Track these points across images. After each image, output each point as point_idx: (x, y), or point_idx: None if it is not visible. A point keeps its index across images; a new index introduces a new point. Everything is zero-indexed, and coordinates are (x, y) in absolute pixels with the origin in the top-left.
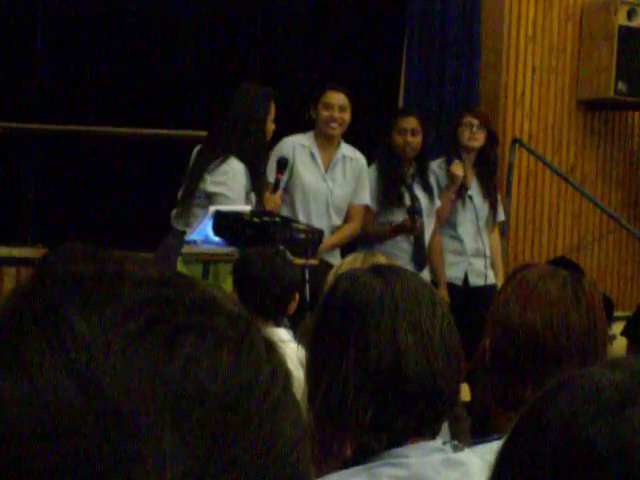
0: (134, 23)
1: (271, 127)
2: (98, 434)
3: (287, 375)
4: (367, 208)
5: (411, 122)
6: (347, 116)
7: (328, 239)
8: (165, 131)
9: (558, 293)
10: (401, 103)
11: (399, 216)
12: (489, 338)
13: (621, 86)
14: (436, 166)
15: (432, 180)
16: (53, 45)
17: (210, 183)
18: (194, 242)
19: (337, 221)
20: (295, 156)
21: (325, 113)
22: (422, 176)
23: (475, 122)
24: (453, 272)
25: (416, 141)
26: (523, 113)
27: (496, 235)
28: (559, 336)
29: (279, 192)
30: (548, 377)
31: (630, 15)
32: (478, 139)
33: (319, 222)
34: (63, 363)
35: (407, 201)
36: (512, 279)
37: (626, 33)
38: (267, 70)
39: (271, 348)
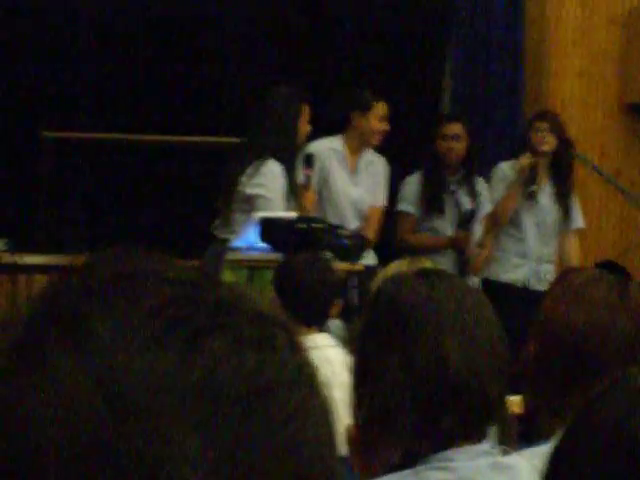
0: (163, 29)
1: (305, 128)
2: (122, 438)
3: (313, 374)
4: (404, 213)
5: (455, 128)
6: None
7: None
8: (199, 138)
9: (604, 297)
10: (446, 109)
11: (440, 224)
12: (534, 343)
13: None
14: (508, 167)
15: (479, 187)
16: (88, 53)
17: (249, 186)
18: (239, 248)
19: (360, 225)
20: (329, 160)
21: (378, 125)
22: (468, 182)
23: (544, 126)
24: (514, 274)
25: (459, 147)
26: (569, 118)
27: (572, 242)
28: (605, 341)
29: (312, 188)
30: (594, 383)
31: None
32: (548, 142)
33: (348, 226)
34: (84, 368)
35: (451, 208)
36: (558, 283)
37: None
38: (308, 78)
39: (297, 348)
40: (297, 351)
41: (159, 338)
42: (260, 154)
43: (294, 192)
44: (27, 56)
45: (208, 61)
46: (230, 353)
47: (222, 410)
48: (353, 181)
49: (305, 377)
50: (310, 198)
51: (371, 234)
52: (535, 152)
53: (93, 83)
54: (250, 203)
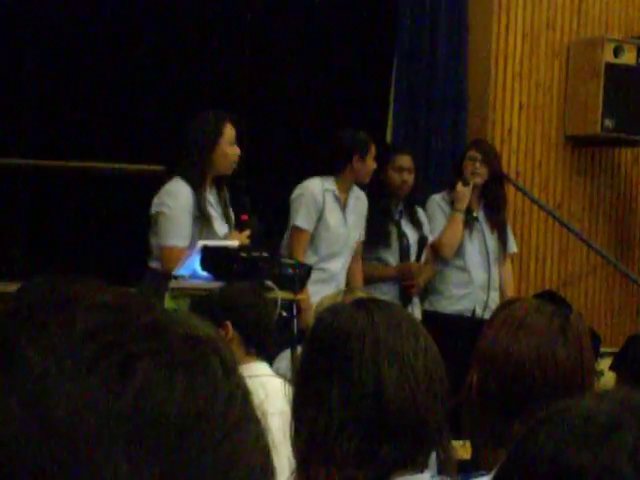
0: (125, 55)
1: (231, 150)
2: (53, 463)
3: (246, 396)
4: None
5: (406, 160)
6: (413, 177)
7: (359, 285)
8: (150, 167)
9: (545, 327)
10: (389, 138)
11: (386, 254)
12: (476, 373)
13: (608, 123)
14: (440, 198)
15: (420, 215)
16: (36, 80)
17: (153, 205)
18: (182, 277)
19: (349, 260)
20: (325, 201)
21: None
22: (410, 212)
23: (478, 157)
24: (462, 304)
25: (411, 179)
26: (510, 150)
27: (508, 267)
28: (546, 370)
29: (246, 232)
30: (535, 412)
31: (616, 52)
32: (480, 174)
33: (339, 262)
34: (15, 393)
35: (395, 239)
36: (499, 313)
37: (613, 70)
38: (255, 106)
39: (229, 368)
40: (230, 374)
41: (90, 363)
42: (170, 173)
43: (205, 215)
44: None
45: (160, 88)
46: (161, 378)
47: (153, 434)
48: (344, 219)
49: (238, 400)
50: (240, 239)
51: (361, 268)
52: (466, 182)
53: (32, 108)
54: (155, 223)
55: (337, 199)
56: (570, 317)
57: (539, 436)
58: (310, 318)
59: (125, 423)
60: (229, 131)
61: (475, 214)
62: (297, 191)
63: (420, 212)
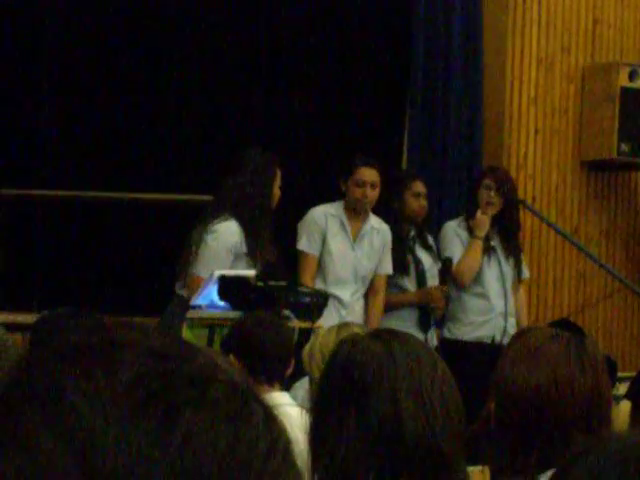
0: (137, 88)
1: (277, 193)
2: None
3: (287, 444)
4: None
5: (422, 185)
6: (377, 192)
7: (373, 319)
8: (170, 196)
9: (562, 355)
10: (405, 164)
11: (403, 281)
12: (493, 402)
13: (624, 147)
14: (456, 225)
15: (431, 242)
16: (58, 110)
17: (195, 234)
18: (199, 307)
19: (362, 290)
20: (327, 225)
21: (358, 191)
22: (422, 237)
23: (493, 185)
24: (482, 331)
25: (426, 204)
26: (526, 175)
27: (522, 293)
28: (564, 398)
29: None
30: (553, 442)
31: (632, 76)
32: (495, 204)
33: (347, 290)
34: (63, 440)
35: (411, 264)
36: (515, 342)
37: (628, 94)
38: (270, 134)
39: (270, 417)
40: (272, 424)
41: (136, 412)
42: (220, 212)
43: (252, 254)
44: None
45: (172, 118)
46: (205, 428)
47: (198, 478)
48: (353, 245)
49: (279, 450)
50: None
51: (383, 302)
52: (482, 210)
53: (51, 140)
54: (195, 253)
55: (343, 225)
56: (586, 344)
57: (576, 471)
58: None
59: (169, 473)
60: (279, 173)
61: (492, 243)
62: (303, 217)
63: (429, 237)
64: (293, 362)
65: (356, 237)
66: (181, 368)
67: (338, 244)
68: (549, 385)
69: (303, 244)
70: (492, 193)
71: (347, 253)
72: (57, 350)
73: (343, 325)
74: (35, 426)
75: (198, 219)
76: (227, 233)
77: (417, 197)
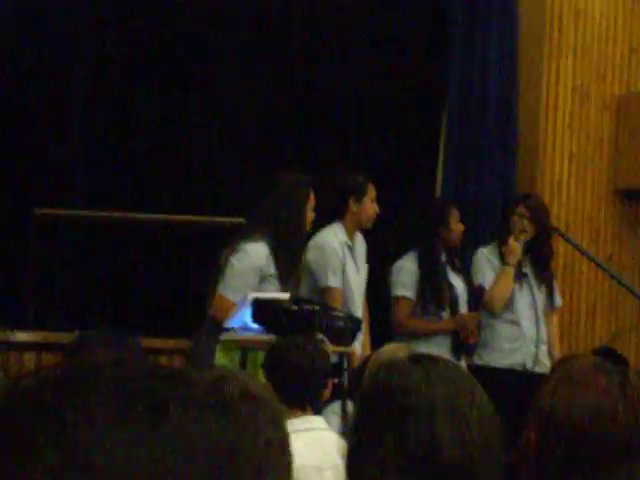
0: (166, 112)
1: (310, 215)
2: None
3: (276, 437)
4: (402, 298)
5: (457, 212)
6: None
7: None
8: (202, 217)
9: (605, 385)
10: (438, 192)
11: (440, 309)
12: (534, 431)
13: None
14: (488, 251)
15: (459, 264)
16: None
17: (223, 256)
18: (233, 329)
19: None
20: (343, 254)
21: (373, 208)
22: (452, 261)
23: (526, 214)
24: (513, 358)
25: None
26: (560, 201)
27: (554, 321)
28: (606, 429)
29: None
30: (594, 473)
31: None
32: (528, 232)
33: (360, 312)
34: (56, 450)
35: (445, 290)
36: (558, 370)
37: None
38: (301, 158)
39: (257, 413)
40: (255, 417)
41: (122, 412)
42: (250, 234)
43: (283, 278)
44: (18, 132)
45: (203, 141)
46: (193, 419)
47: (192, 471)
48: (356, 267)
49: (265, 436)
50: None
51: (365, 314)
52: (514, 237)
53: (84, 161)
54: (222, 273)
55: (350, 249)
56: (629, 374)
57: None
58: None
59: (163, 462)
60: (312, 196)
61: (524, 269)
62: (317, 250)
63: (457, 261)
64: (331, 386)
65: (354, 256)
66: (159, 372)
67: (350, 270)
68: (591, 415)
69: (332, 280)
70: (525, 222)
71: (355, 277)
72: (49, 375)
73: (407, 345)
74: (31, 443)
75: (229, 241)
76: (253, 255)
77: (458, 222)
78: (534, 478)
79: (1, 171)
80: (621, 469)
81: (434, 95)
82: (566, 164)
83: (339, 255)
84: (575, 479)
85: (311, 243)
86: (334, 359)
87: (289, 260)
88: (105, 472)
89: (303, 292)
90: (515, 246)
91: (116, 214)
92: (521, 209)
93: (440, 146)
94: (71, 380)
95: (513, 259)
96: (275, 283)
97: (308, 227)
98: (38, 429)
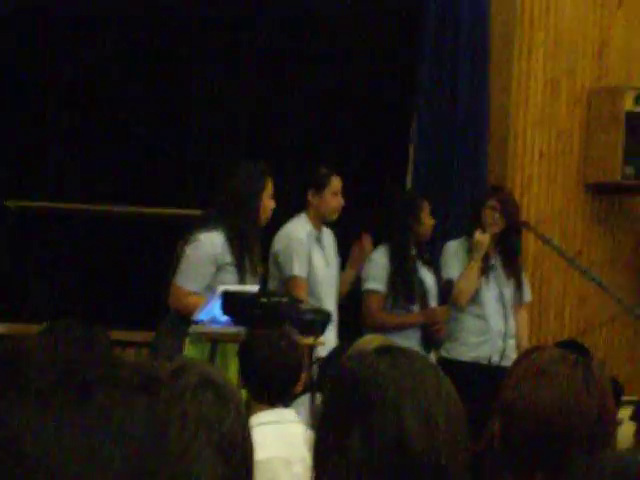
0: (139, 104)
1: (268, 203)
2: None
3: (203, 415)
4: (373, 292)
5: (428, 206)
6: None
7: None
8: (169, 210)
9: (568, 376)
10: (409, 185)
11: (410, 302)
12: (498, 422)
13: (628, 170)
14: (457, 245)
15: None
16: (65, 125)
17: (178, 247)
18: (202, 322)
19: (337, 296)
20: (310, 245)
21: (335, 200)
22: (421, 255)
23: (498, 206)
24: (479, 352)
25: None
26: (530, 197)
27: (523, 316)
28: (569, 420)
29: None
30: (557, 462)
31: (637, 100)
32: (498, 224)
33: (332, 303)
34: None
35: (416, 285)
36: (521, 362)
37: (633, 118)
38: (268, 149)
39: (179, 396)
40: (181, 400)
41: (49, 392)
42: (206, 224)
43: (241, 267)
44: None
45: (173, 134)
46: (120, 399)
47: (119, 452)
48: (325, 257)
49: (188, 422)
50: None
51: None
52: (484, 230)
53: (56, 153)
54: (177, 264)
55: (317, 239)
56: (592, 366)
57: None
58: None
59: (91, 444)
60: (270, 185)
61: (492, 262)
62: (283, 241)
63: (454, 257)
64: (303, 379)
65: (322, 248)
66: (86, 355)
67: (317, 260)
68: (555, 406)
69: (298, 269)
70: (496, 214)
71: (324, 266)
72: None
73: (379, 337)
74: None
75: (186, 231)
76: (207, 243)
77: (429, 216)
78: (499, 469)
79: None
80: (584, 459)
81: (405, 87)
82: (536, 159)
83: (304, 245)
84: (537, 468)
85: (279, 233)
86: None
87: (245, 248)
88: (34, 457)
89: (273, 284)
90: (482, 239)
91: (87, 206)
92: (492, 202)
93: (411, 140)
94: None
95: (479, 254)
96: (233, 272)
97: (267, 214)
98: None
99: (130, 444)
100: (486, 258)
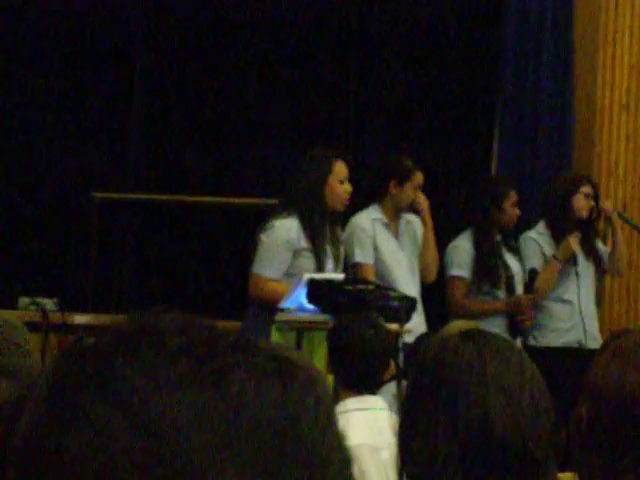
0: (220, 96)
1: (337, 187)
2: (162, 474)
3: (330, 404)
4: (457, 278)
5: (515, 195)
6: None
7: None
8: (254, 200)
9: None
10: (494, 171)
11: (493, 287)
12: (585, 406)
13: None
14: (536, 234)
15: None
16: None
17: (255, 236)
18: (288, 310)
19: (418, 284)
20: (375, 231)
21: (414, 194)
22: (507, 241)
23: (592, 193)
24: (569, 336)
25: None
26: (617, 181)
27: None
28: None
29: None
30: None
31: None
32: (592, 209)
33: (408, 290)
34: (119, 411)
35: (501, 270)
36: (609, 344)
37: None
38: (356, 146)
39: (315, 383)
40: (315, 385)
41: (186, 377)
42: (280, 211)
43: (317, 252)
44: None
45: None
46: (254, 386)
47: (254, 439)
48: (400, 246)
49: (324, 404)
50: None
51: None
52: (574, 216)
53: (142, 145)
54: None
55: (387, 226)
56: None
57: None
58: None
59: (226, 430)
60: (339, 168)
61: (578, 263)
62: (347, 229)
63: (531, 242)
64: (392, 367)
65: (398, 236)
66: (223, 338)
67: (387, 248)
68: None
69: (360, 256)
70: (590, 200)
71: (398, 255)
72: (105, 338)
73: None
74: (93, 402)
75: (262, 220)
76: (282, 229)
77: (514, 207)
78: (586, 454)
79: (60, 156)
80: None
81: (489, 76)
82: (622, 144)
83: (367, 233)
84: (625, 453)
85: (347, 224)
86: None
87: (316, 233)
88: (168, 436)
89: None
90: (573, 243)
91: (170, 197)
92: (587, 188)
93: (495, 124)
94: (136, 344)
95: (564, 255)
96: (310, 257)
97: (341, 198)
98: (103, 392)
99: (265, 432)
100: (573, 259)
